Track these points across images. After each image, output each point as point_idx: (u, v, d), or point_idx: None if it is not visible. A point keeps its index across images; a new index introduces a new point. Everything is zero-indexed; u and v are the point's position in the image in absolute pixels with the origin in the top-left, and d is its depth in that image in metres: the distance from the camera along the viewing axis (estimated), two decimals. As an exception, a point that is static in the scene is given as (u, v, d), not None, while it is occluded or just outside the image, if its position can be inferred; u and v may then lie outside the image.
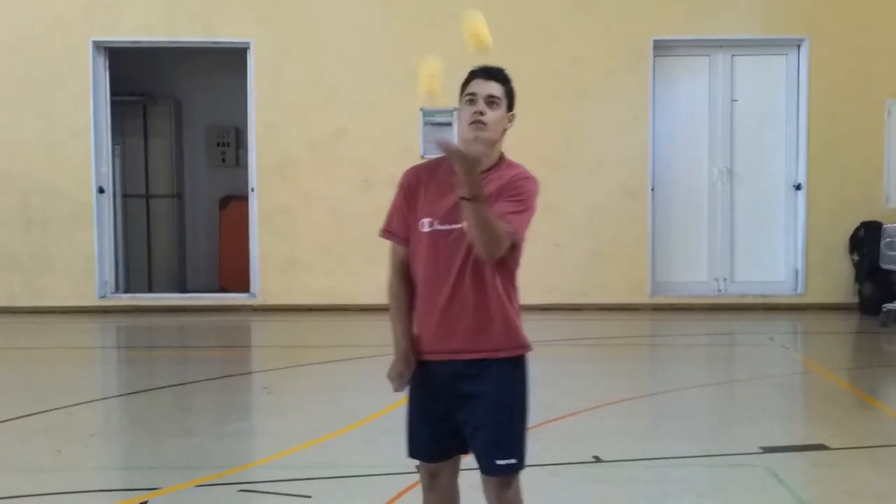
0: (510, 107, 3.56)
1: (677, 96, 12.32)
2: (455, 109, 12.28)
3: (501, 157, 3.57)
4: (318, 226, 11.98)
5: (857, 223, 11.96)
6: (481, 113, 3.45)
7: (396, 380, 3.58)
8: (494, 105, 3.48)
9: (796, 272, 12.24)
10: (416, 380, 3.59)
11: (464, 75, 3.59)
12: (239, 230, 12.46)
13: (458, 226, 3.39)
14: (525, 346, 3.56)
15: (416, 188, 3.54)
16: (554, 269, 11.88)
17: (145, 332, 11.48)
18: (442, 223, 3.43)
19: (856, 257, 11.95)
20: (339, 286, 11.91)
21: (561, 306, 11.86)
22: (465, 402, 3.50)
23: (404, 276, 3.58)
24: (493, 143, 3.51)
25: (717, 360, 10.11)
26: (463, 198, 3.21)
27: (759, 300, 12.18)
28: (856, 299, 11.94)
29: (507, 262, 3.46)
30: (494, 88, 3.50)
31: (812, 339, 11.22)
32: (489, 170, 3.48)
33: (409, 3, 11.94)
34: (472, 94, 3.48)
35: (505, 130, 3.55)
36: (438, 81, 3.44)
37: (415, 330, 3.59)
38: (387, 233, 3.61)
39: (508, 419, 3.51)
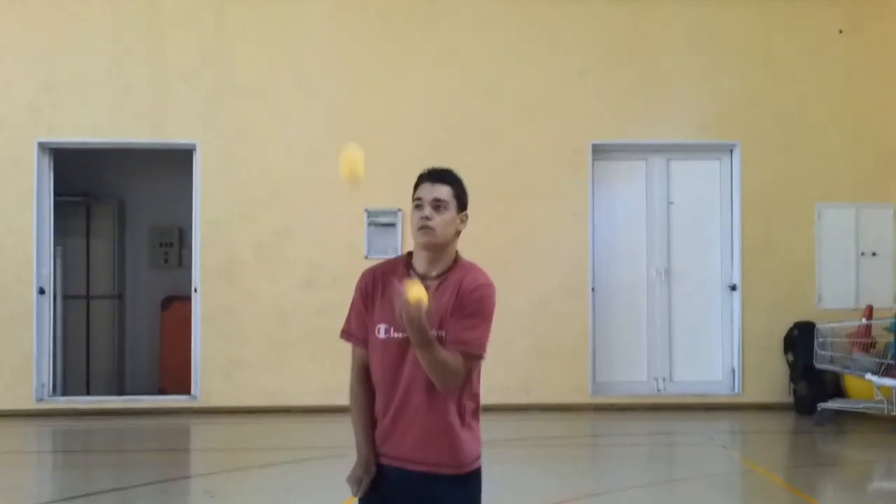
0: (462, 207, 3.57)
1: (616, 198, 12.63)
2: (398, 210, 12.41)
3: (457, 259, 3.60)
4: (263, 326, 11.95)
5: (791, 323, 12.23)
6: (428, 218, 3.49)
7: (354, 484, 3.56)
8: (441, 208, 3.50)
9: (733, 371, 12.45)
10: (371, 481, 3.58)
11: (410, 179, 3.65)
12: (180, 331, 12.37)
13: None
14: (474, 463, 3.54)
15: (373, 291, 3.56)
16: (496, 367, 11.87)
17: (83, 435, 11.29)
18: (397, 330, 3.44)
19: (790, 357, 12.19)
20: (283, 387, 11.84)
21: (503, 406, 11.89)
22: None
23: (364, 378, 3.60)
24: (445, 245, 3.54)
25: (657, 460, 10.20)
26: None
27: (698, 400, 12.34)
28: (791, 398, 12.14)
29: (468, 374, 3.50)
30: (441, 191, 3.51)
31: (749, 439, 11.37)
32: (445, 273, 3.54)
33: (353, 105, 12.17)
34: (419, 198, 3.52)
35: (458, 231, 3.58)
36: (360, 165, 3.47)
37: (376, 431, 3.61)
38: (346, 334, 3.63)
39: None
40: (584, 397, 12.20)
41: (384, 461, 3.55)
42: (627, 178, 12.67)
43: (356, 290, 3.61)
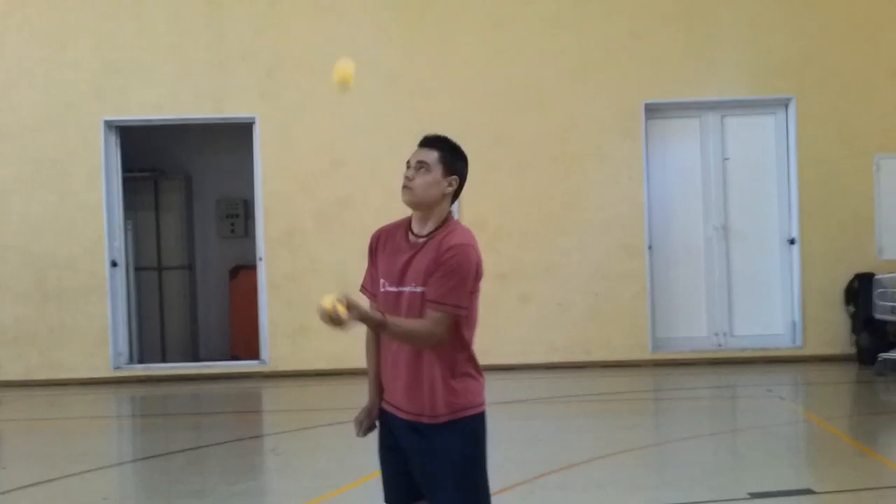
0: (450, 172, 3.82)
1: (671, 157, 12.69)
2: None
3: (447, 220, 3.84)
4: (325, 292, 12.23)
5: (851, 275, 12.22)
6: (409, 178, 3.77)
7: (356, 425, 3.93)
8: (423, 170, 3.77)
9: (794, 325, 12.49)
10: (380, 425, 3.91)
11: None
12: (249, 299, 12.78)
13: (403, 288, 3.71)
14: (461, 412, 3.73)
15: (377, 249, 3.88)
16: (555, 327, 12.22)
17: (159, 400, 11.78)
18: (391, 284, 3.75)
19: (851, 308, 12.20)
20: (346, 350, 12.15)
21: (564, 364, 12.13)
22: (413, 455, 3.78)
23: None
24: (429, 205, 3.79)
25: (715, 413, 10.33)
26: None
27: (759, 353, 12.42)
28: (853, 350, 12.17)
29: (455, 328, 3.72)
30: (426, 155, 3.80)
31: (809, 390, 11.45)
32: (433, 232, 3.79)
33: (408, 73, 12.39)
34: (408, 161, 3.82)
35: (445, 193, 3.82)
36: (351, 74, 3.78)
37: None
38: (362, 289, 3.95)
39: (451, 480, 3.71)
40: (645, 354, 12.35)
41: (385, 407, 3.86)
42: (682, 136, 12.71)
43: (368, 248, 3.91)
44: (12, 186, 12.29)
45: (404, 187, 3.76)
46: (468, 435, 3.76)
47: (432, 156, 3.80)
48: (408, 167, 3.79)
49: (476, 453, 3.77)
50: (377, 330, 3.65)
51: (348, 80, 3.78)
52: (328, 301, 3.42)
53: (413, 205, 3.78)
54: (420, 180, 3.76)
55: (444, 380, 3.71)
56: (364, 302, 3.92)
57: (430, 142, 3.85)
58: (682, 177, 12.68)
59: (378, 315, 3.60)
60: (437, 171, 3.79)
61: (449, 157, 3.83)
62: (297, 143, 12.44)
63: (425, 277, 3.68)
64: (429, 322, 3.64)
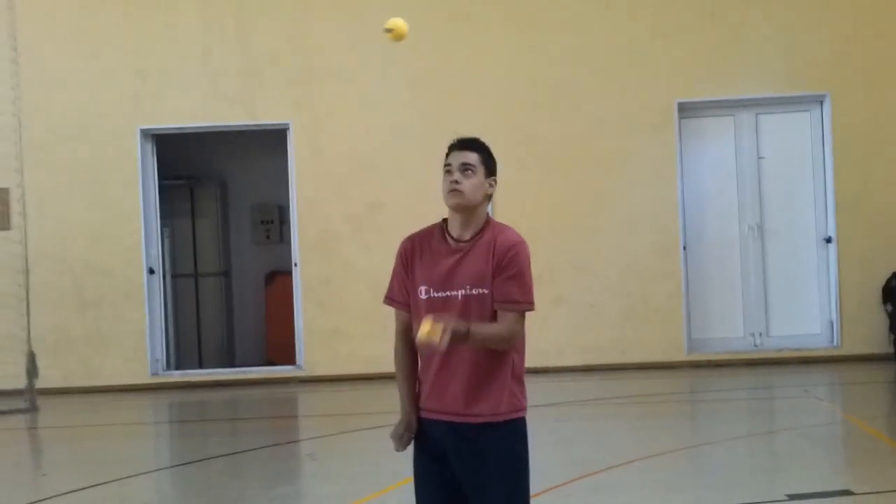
0: (489, 173, 3.81)
1: (705, 155, 12.62)
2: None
3: (488, 221, 3.82)
4: (360, 296, 12.32)
5: (888, 273, 12.11)
6: (457, 182, 3.73)
7: (396, 440, 3.83)
8: (469, 172, 3.73)
9: (831, 324, 12.38)
10: (416, 437, 3.83)
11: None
12: (284, 304, 12.86)
13: (452, 293, 3.68)
14: (513, 413, 3.73)
15: (412, 256, 3.82)
16: (589, 329, 12.19)
17: (197, 406, 11.87)
18: (437, 290, 3.70)
19: (889, 307, 12.08)
20: (381, 354, 12.14)
21: (598, 366, 12.10)
22: (458, 462, 3.73)
23: (407, 340, 3.84)
24: (475, 208, 3.77)
25: (752, 414, 10.27)
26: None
27: (796, 353, 12.32)
28: (891, 349, 12.04)
29: None
30: (469, 157, 3.75)
31: (847, 390, 11.34)
32: (477, 234, 3.77)
33: (434, 79, 12.42)
34: (449, 164, 3.76)
35: (488, 195, 3.82)
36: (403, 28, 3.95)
37: (418, 388, 3.86)
38: (389, 300, 3.91)
39: (501, 485, 3.69)
40: (680, 355, 12.28)
41: (428, 415, 3.78)
42: (716, 134, 12.65)
43: (397, 257, 3.86)
44: (49, 194, 12.40)
45: (452, 191, 3.72)
46: (521, 435, 3.77)
47: (474, 157, 3.77)
48: (449, 171, 3.75)
49: (526, 454, 3.79)
50: (462, 341, 3.55)
51: (402, 34, 3.85)
52: (426, 329, 3.43)
53: (461, 208, 3.74)
54: (468, 183, 3.73)
55: (506, 380, 3.71)
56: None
57: (468, 144, 3.81)
58: (716, 175, 12.61)
59: (462, 327, 3.53)
60: (481, 173, 3.77)
61: (488, 158, 3.83)
62: (329, 148, 12.51)
63: (483, 279, 3.67)
64: (508, 324, 3.64)
